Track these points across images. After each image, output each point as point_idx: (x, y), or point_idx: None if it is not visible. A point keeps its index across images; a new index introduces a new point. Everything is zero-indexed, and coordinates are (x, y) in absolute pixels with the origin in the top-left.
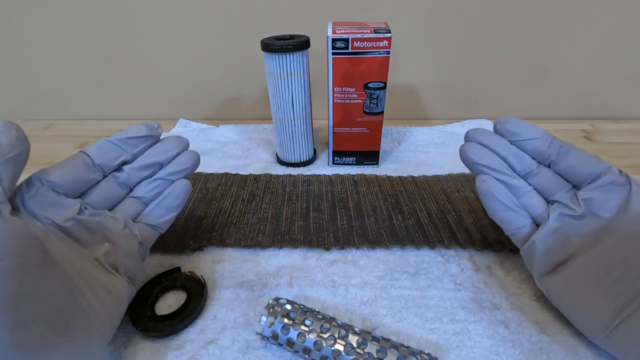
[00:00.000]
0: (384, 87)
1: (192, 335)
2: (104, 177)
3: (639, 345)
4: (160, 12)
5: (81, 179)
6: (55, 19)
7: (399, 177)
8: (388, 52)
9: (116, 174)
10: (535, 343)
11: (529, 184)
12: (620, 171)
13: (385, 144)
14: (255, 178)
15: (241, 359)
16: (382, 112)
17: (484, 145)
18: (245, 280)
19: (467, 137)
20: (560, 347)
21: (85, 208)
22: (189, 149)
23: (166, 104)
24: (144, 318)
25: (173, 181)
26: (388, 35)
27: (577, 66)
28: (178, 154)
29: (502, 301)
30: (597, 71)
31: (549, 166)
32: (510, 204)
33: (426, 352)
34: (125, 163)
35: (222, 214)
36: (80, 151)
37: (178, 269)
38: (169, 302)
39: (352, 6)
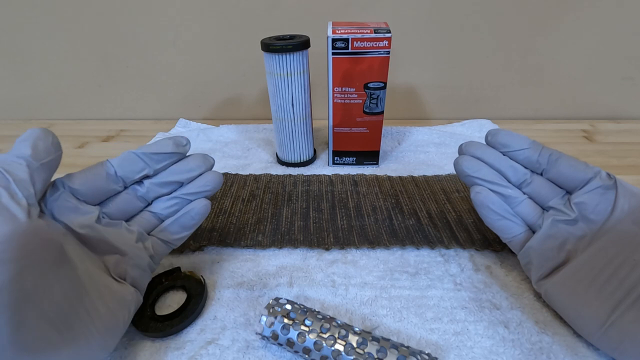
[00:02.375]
0: (384, 87)
1: (192, 335)
2: (125, 188)
3: (634, 342)
4: (160, 12)
5: (102, 188)
6: (55, 19)
7: (399, 177)
8: (388, 52)
9: (136, 186)
10: (535, 343)
11: (524, 193)
12: (608, 175)
13: (385, 144)
14: (255, 178)
15: (241, 359)
16: (382, 112)
17: (478, 158)
18: (245, 280)
19: (461, 151)
20: (560, 347)
21: (103, 217)
22: (202, 161)
23: (166, 104)
24: (144, 318)
25: (191, 201)
26: (388, 35)
27: (577, 66)
28: (201, 174)
29: (502, 301)
30: (597, 71)
31: (541, 174)
32: (504, 213)
33: (426, 352)
34: (146, 177)
35: (222, 214)
36: (106, 160)
37: (178, 269)
38: (169, 302)
39: (352, 6)
